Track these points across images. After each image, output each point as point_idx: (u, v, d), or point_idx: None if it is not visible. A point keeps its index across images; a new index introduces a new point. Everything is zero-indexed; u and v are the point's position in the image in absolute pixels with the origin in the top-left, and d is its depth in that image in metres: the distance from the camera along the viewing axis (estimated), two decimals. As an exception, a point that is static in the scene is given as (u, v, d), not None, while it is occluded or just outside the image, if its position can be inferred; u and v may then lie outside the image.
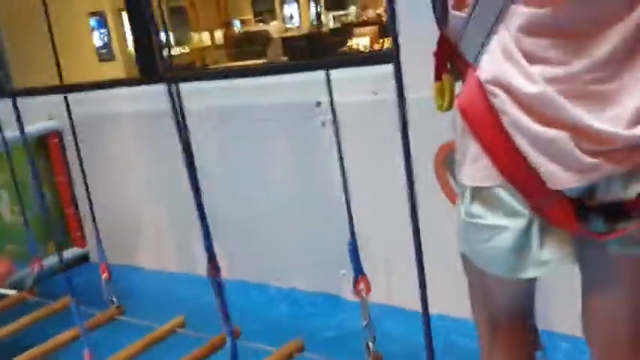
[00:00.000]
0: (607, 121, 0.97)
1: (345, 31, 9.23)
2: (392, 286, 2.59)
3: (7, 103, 4.02)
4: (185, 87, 3.29)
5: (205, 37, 11.59)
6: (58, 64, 2.45)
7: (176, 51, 9.93)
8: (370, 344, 1.78)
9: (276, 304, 2.65)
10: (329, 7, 12.97)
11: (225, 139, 3.02)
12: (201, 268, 3.29)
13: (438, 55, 1.20)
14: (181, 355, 1.91)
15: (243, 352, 1.68)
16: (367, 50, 7.80)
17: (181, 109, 1.54)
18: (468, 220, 1.11)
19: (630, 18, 0.95)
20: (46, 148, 3.66)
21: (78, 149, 2.61)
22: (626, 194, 1.00)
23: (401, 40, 2.54)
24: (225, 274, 2.76)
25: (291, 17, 13.50)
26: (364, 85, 2.59)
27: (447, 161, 2.41)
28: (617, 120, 0.97)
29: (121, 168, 3.54)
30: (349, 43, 8.25)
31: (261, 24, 18.59)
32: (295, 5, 13.50)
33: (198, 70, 7.96)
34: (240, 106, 2.96)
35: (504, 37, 1.01)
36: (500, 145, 1.01)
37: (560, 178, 0.99)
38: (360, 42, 8.25)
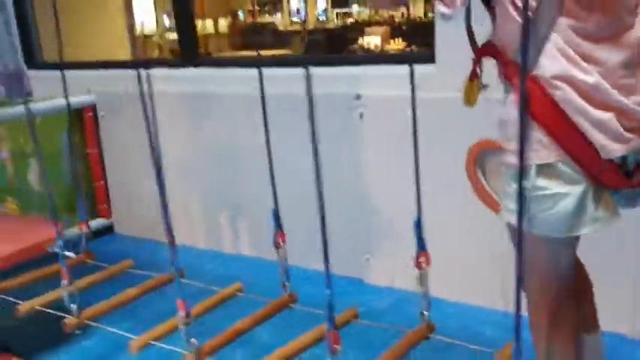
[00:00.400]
0: (636, 105, 1.32)
1: (356, 29, 9.40)
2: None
3: (39, 73, 4.16)
4: (219, 73, 3.45)
5: (209, 25, 11.63)
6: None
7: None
8: (425, 312, 1.97)
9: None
10: (334, 4, 13.20)
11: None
12: (228, 244, 3.47)
13: (477, 60, 1.50)
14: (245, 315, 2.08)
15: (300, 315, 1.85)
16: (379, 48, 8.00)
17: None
18: (533, 194, 1.34)
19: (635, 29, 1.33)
20: (81, 121, 3.80)
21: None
22: None
23: (440, 45, 2.72)
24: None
25: (298, 11, 13.64)
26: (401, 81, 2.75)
27: (478, 160, 2.59)
28: (639, 104, 1.33)
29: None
30: (360, 42, 8.43)
31: (267, 15, 18.67)
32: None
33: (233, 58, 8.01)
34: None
35: (558, 42, 1.28)
36: (563, 129, 1.31)
37: (612, 149, 1.32)
38: (372, 41, 8.43)
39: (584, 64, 1.29)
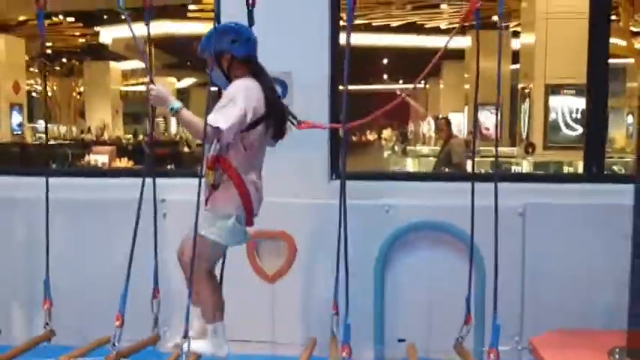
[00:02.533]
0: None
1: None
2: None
3: None
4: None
5: None
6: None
7: None
8: None
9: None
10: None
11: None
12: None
13: (213, 162, 2.74)
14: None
15: None
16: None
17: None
18: (230, 225, 2.73)
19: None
20: None
21: None
22: None
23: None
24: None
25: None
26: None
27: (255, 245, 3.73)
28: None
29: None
30: (87, 159, 9.08)
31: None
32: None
33: None
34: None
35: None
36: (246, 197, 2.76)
37: (256, 208, 2.87)
38: (99, 159, 9.16)
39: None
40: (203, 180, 2.66)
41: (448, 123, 7.89)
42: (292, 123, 2.93)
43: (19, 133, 13.62)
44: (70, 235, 3.80)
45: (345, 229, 2.79)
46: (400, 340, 3.55)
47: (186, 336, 2.57)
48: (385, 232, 3.62)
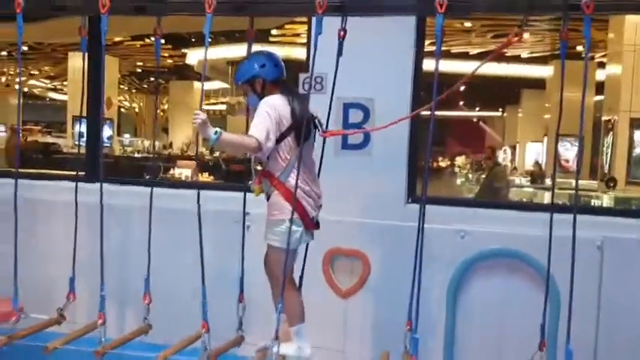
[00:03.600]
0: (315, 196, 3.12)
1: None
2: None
3: None
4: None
5: None
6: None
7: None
8: None
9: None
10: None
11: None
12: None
13: (260, 177, 3.07)
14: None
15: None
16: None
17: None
18: (285, 229, 2.90)
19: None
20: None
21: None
22: None
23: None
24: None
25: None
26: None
27: (331, 261, 3.88)
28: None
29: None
30: (172, 172, 9.57)
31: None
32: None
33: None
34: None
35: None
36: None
37: (312, 212, 3.06)
38: (184, 172, 9.63)
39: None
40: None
41: (493, 151, 9.86)
42: (318, 130, 3.10)
43: (108, 145, 14.47)
44: (164, 240, 4.04)
45: (421, 251, 2.88)
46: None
47: (276, 338, 2.77)
48: (459, 257, 3.68)
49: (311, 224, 3.04)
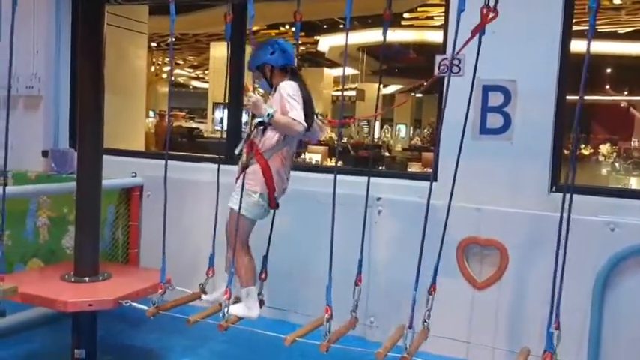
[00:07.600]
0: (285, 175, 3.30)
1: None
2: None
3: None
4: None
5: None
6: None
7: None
8: None
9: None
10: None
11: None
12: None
13: (249, 146, 3.22)
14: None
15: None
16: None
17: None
18: (255, 201, 3.16)
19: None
20: (128, 198, 4.60)
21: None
22: None
23: (441, 170, 3.95)
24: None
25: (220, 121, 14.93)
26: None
27: (465, 251, 3.75)
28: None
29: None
30: (302, 157, 9.78)
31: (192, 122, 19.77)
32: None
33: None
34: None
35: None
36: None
37: (280, 189, 3.27)
38: (313, 157, 9.83)
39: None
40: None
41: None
42: (318, 119, 3.33)
43: (219, 129, 14.98)
44: (294, 220, 4.14)
45: (565, 244, 2.68)
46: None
47: (228, 298, 3.06)
48: (608, 250, 3.40)
49: (273, 203, 3.25)
